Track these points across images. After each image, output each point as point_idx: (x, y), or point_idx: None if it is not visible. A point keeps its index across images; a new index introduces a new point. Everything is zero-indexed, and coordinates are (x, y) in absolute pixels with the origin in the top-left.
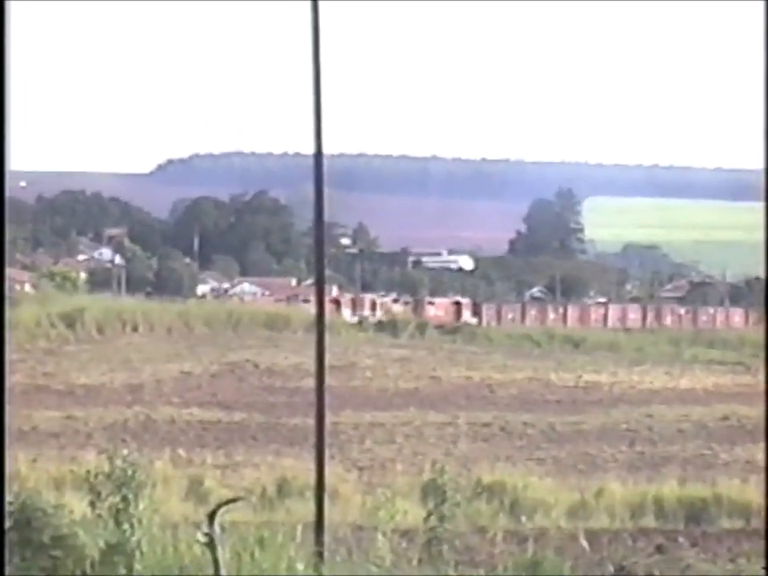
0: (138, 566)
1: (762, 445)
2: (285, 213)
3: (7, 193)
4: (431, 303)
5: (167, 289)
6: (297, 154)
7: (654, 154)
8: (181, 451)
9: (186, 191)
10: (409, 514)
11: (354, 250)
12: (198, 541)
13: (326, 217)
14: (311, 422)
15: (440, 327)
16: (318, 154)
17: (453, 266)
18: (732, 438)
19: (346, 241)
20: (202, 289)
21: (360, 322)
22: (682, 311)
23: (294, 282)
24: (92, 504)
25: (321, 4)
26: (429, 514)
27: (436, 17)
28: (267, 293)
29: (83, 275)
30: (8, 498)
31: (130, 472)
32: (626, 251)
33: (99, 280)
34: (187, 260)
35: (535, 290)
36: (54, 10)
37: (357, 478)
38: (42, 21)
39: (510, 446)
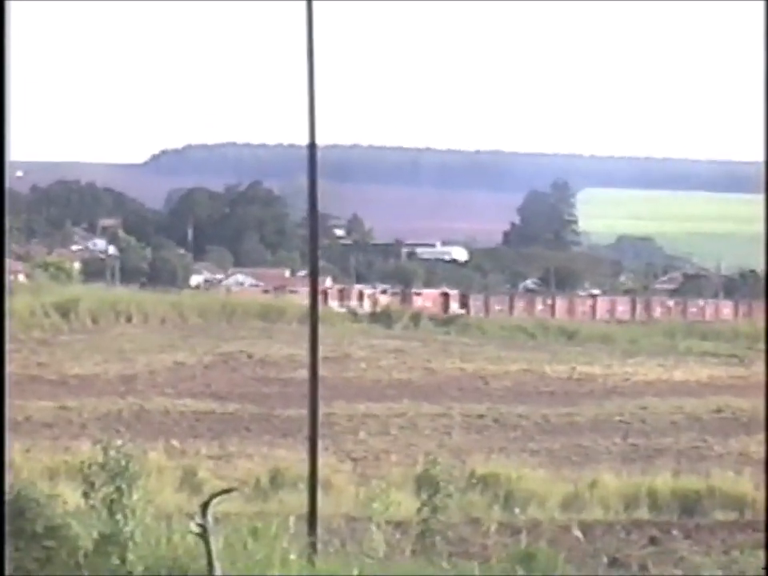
0: (131, 557)
1: (757, 437)
2: (279, 204)
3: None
4: (419, 294)
5: (161, 279)
6: (291, 145)
7: (648, 145)
8: (174, 442)
9: (180, 182)
10: (402, 506)
11: (348, 241)
12: (191, 531)
13: (320, 208)
14: (305, 413)
15: (434, 319)
16: (312, 145)
17: (447, 257)
18: (725, 430)
19: (340, 232)
20: (195, 279)
21: (354, 314)
22: (671, 303)
23: (287, 273)
24: (85, 494)
25: None
26: (422, 506)
27: (430, 8)
28: (255, 283)
29: (77, 265)
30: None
31: (123, 462)
32: (619, 243)
33: (93, 270)
34: (181, 250)
35: (529, 282)
36: (48, 1)
37: (350, 470)
38: (36, 12)
39: (503, 438)
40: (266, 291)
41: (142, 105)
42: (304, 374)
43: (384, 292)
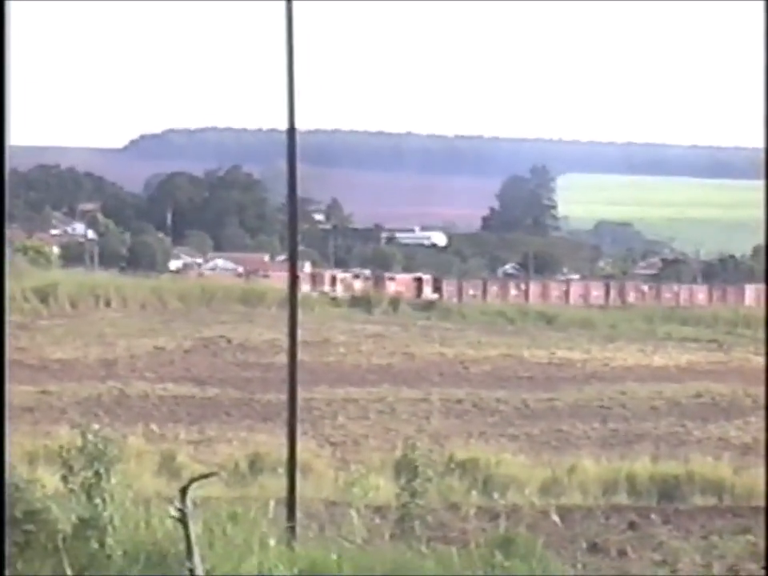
0: (110, 541)
1: (736, 422)
2: (259, 188)
3: None
4: (392, 279)
5: (140, 264)
6: (272, 130)
7: (628, 131)
8: (154, 426)
9: (161, 166)
10: (381, 490)
11: (327, 226)
12: (170, 516)
13: (300, 192)
14: (285, 397)
15: (413, 303)
16: (291, 130)
17: (426, 242)
18: (705, 416)
19: (319, 216)
20: (174, 264)
21: (333, 298)
22: (646, 288)
23: (266, 257)
24: (64, 478)
25: None
26: (401, 490)
27: None
28: (233, 267)
29: (56, 250)
30: None
31: (102, 447)
32: (598, 228)
33: (72, 254)
34: (161, 235)
35: (508, 267)
36: None
37: (330, 454)
38: None
39: (482, 423)
40: (239, 275)
41: (123, 89)
42: (284, 358)
43: (357, 276)
